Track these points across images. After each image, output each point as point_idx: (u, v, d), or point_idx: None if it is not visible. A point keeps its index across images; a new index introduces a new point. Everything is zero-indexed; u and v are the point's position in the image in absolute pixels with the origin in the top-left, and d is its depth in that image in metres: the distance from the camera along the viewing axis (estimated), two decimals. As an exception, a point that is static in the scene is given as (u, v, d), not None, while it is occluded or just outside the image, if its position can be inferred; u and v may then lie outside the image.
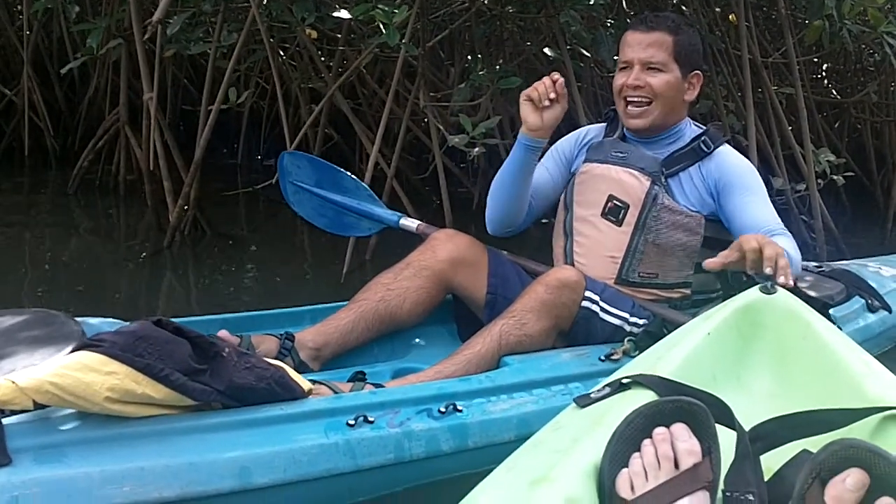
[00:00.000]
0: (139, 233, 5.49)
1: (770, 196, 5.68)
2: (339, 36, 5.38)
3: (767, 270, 2.14)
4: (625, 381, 1.88)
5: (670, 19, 2.96)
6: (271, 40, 5.00)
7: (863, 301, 3.41)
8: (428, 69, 4.74)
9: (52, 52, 7.76)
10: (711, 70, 5.92)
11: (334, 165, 3.64)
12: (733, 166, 2.90)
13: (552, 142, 3.09)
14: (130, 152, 6.03)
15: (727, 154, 2.93)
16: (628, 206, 2.86)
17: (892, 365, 3.86)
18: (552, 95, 2.76)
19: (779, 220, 2.82)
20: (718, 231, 2.87)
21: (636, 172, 2.87)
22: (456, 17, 5.12)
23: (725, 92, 6.06)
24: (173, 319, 2.19)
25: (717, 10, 5.97)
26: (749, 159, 5.26)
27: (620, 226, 2.88)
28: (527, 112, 2.81)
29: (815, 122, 7.50)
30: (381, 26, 3.64)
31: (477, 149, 4.26)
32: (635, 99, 2.87)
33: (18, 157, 7.40)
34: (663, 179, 2.87)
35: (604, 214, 2.91)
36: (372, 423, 2.25)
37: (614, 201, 2.89)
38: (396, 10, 3.65)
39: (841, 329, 3.02)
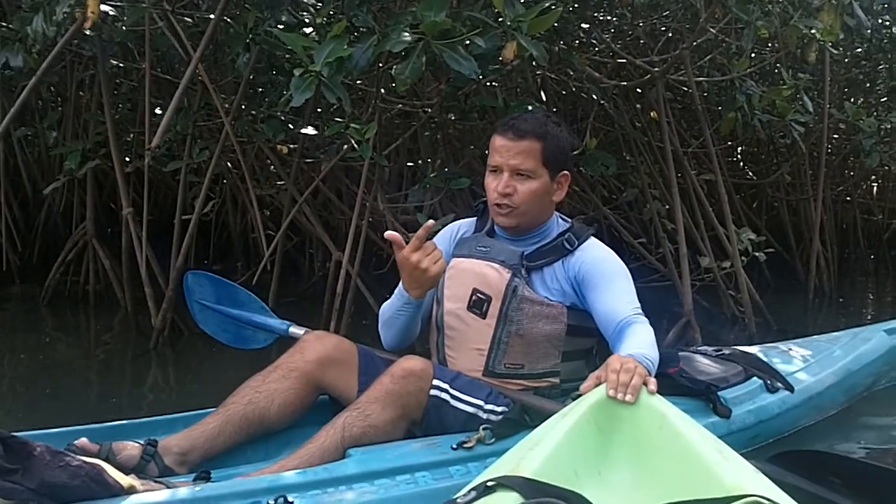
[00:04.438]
0: (119, 338, 5.76)
1: (699, 274, 6.00)
2: (294, 147, 5.74)
3: (616, 395, 2.28)
4: (490, 483, 1.95)
5: (538, 123, 2.92)
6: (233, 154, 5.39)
7: (761, 382, 3.47)
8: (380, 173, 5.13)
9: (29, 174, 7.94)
10: (636, 160, 6.41)
11: (230, 281, 3.73)
12: (593, 259, 2.93)
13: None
14: (98, 263, 6.37)
15: (589, 248, 2.97)
16: (490, 299, 2.89)
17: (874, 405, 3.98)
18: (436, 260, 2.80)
19: (636, 305, 2.85)
20: (582, 319, 2.92)
21: (497, 265, 2.91)
22: (400, 123, 5.53)
23: (650, 180, 6.53)
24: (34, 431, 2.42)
25: (638, 106, 6.49)
26: (677, 241, 5.73)
27: (484, 318, 2.90)
28: (413, 289, 2.85)
29: (735, 203, 7.96)
30: (354, 142, 3.97)
31: (434, 244, 4.56)
32: (504, 203, 2.90)
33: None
34: (523, 272, 2.91)
35: (469, 308, 2.93)
36: None
37: (478, 294, 2.91)
38: (367, 127, 4.00)
39: (731, 410, 3.20)
